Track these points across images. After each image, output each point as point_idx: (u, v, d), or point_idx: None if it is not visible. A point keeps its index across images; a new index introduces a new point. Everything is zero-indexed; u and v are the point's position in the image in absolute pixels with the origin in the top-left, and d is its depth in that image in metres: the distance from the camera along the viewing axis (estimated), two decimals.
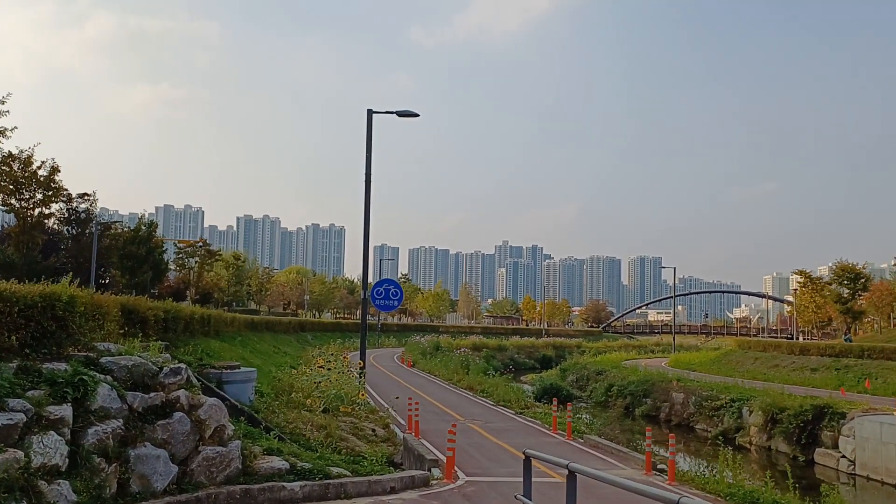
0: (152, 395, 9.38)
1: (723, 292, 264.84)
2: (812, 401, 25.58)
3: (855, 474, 22.38)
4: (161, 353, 10.82)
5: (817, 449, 24.66)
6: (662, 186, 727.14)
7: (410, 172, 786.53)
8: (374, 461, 11.88)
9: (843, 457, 23.23)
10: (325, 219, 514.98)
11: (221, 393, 14.00)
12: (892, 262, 49.28)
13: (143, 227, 44.79)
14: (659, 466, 13.77)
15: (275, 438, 12.76)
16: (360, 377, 18.66)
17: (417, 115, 20.17)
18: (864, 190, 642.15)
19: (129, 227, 45.39)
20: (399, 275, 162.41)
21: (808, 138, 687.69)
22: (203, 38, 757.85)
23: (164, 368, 9.82)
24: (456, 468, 12.35)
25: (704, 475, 13.31)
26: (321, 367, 18.98)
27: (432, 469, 12.46)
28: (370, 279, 19.75)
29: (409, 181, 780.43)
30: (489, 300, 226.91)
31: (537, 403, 24.54)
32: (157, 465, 8.81)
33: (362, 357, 19.62)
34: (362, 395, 16.40)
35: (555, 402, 18.71)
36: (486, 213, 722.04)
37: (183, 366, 10.25)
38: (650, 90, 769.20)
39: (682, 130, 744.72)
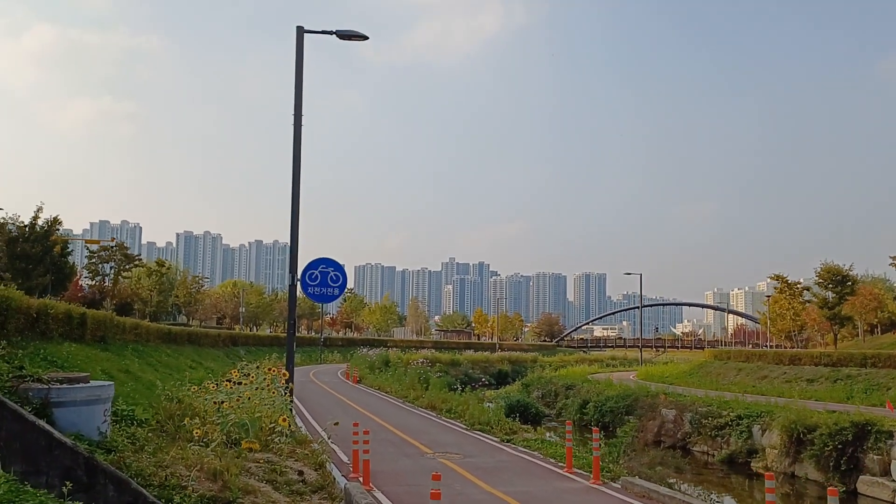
0: None
1: (691, 305, 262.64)
2: (850, 417, 20.92)
3: None
4: None
5: (861, 477, 19.98)
6: (607, 204, 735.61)
7: (355, 189, 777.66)
8: None
9: None
10: (268, 235, 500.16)
11: (39, 422, 8.38)
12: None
13: (40, 223, 37.87)
14: None
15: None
16: (286, 394, 13.05)
17: (365, 38, 14.85)
18: (795, 211, 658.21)
19: (23, 223, 38.21)
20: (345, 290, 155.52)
21: (747, 159, 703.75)
22: (146, 52, 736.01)
23: None
24: None
25: None
26: (230, 381, 13.33)
27: None
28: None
29: (354, 198, 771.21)
30: (436, 317, 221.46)
31: (524, 427, 19.15)
32: None
33: (289, 366, 13.92)
34: (283, 419, 10.86)
35: (568, 426, 13.32)
36: (432, 230, 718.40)
37: None
38: (593, 110, 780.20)
39: (626, 150, 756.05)
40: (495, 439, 16.53)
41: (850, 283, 53.55)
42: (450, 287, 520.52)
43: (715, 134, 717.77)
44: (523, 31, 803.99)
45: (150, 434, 11.00)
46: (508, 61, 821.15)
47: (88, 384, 9.91)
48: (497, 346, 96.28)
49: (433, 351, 71.54)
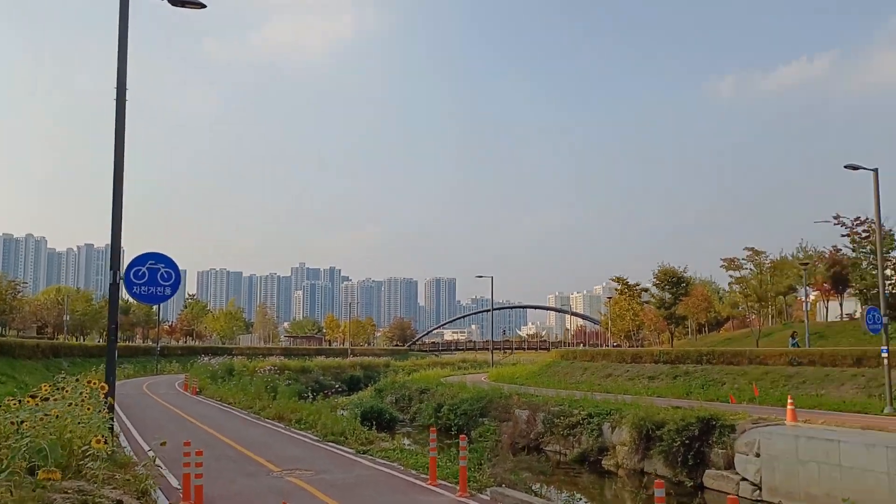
0: None
1: (537, 308, 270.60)
2: (695, 413, 21.48)
3: (762, 500, 18.31)
4: None
5: (707, 471, 20.52)
6: (456, 211, 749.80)
7: (200, 191, 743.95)
8: None
9: (744, 479, 19.13)
10: (100, 239, 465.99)
11: None
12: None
13: None
14: None
15: None
16: (105, 409, 11.10)
17: (202, 6, 13.13)
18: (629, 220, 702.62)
19: None
20: (186, 296, 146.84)
21: (588, 170, 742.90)
22: None
23: None
24: None
25: None
26: (34, 396, 11.19)
27: None
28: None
29: (198, 200, 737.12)
30: (286, 323, 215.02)
31: (380, 435, 17.94)
32: None
33: (109, 377, 11.87)
34: (97, 441, 9.06)
35: (433, 434, 12.28)
36: (282, 235, 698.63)
37: None
38: (441, 116, 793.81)
39: (483, 157, 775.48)
40: (350, 451, 15.26)
41: (684, 285, 57.06)
42: (300, 292, 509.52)
43: (558, 146, 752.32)
44: (375, 36, 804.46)
45: None
46: (362, 64, 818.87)
47: None
48: (349, 351, 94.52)
49: (282, 358, 68.86)
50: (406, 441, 26.92)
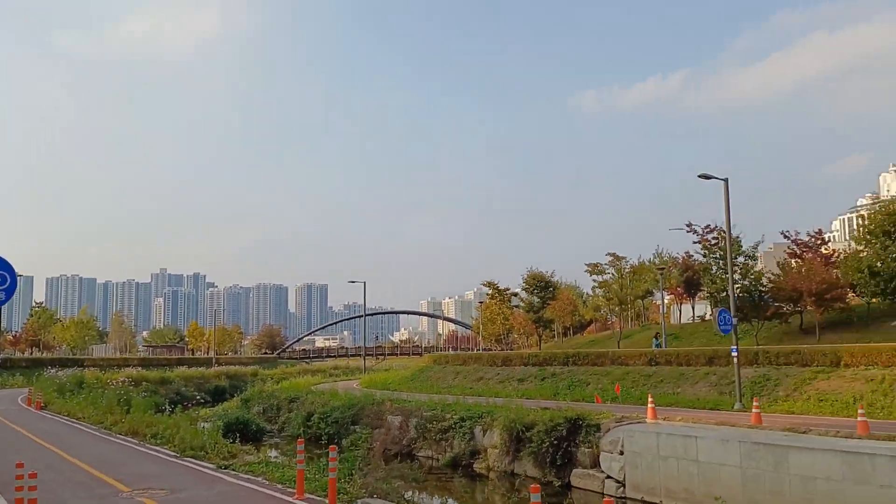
0: None
1: (409, 313, 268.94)
2: (564, 413, 21.96)
3: (626, 497, 18.91)
4: None
5: (574, 470, 21.00)
6: (331, 215, 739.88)
7: (51, 192, 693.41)
8: None
9: (609, 477, 19.73)
10: None
11: None
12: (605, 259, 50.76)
13: None
14: None
15: None
16: None
17: None
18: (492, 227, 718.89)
19: None
20: (32, 304, 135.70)
21: (462, 179, 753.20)
22: None
23: None
24: None
25: None
26: None
27: None
28: None
29: (48, 202, 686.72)
30: (145, 332, 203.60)
31: (245, 448, 17.00)
32: None
33: None
34: None
35: (300, 445, 11.64)
36: (141, 240, 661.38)
37: None
38: (318, 118, 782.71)
39: (351, 162, 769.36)
40: (211, 466, 14.31)
41: (551, 289, 58.97)
42: (161, 300, 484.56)
43: (433, 154, 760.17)
44: (243, 35, 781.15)
45: None
46: (228, 63, 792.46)
47: None
48: (214, 360, 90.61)
49: (140, 369, 64.90)
50: (273, 453, 25.90)
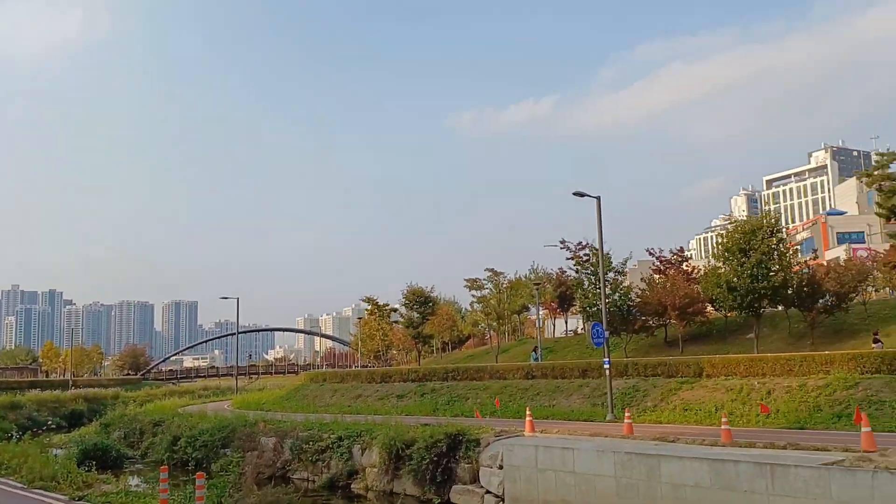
0: None
1: (285, 330, 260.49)
2: (444, 429, 21.79)
3: None
4: None
5: (454, 486, 20.83)
6: (199, 231, 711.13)
7: None
8: None
9: (489, 492, 19.68)
10: None
11: None
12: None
13: None
14: None
15: None
16: None
17: None
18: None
19: None
20: None
21: (338, 195, 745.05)
22: None
23: None
24: None
25: None
26: None
27: None
28: None
29: None
30: None
31: (103, 476, 15.64)
32: None
33: None
34: None
35: (163, 473, 10.71)
36: None
37: None
38: (187, 127, 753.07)
39: (223, 177, 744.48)
40: (63, 497, 13.05)
41: (431, 304, 59.11)
42: (12, 318, 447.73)
43: (304, 168, 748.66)
44: (105, 41, 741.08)
45: None
46: (94, 69, 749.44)
47: None
48: (71, 383, 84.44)
49: None
50: (135, 481, 24.19)
